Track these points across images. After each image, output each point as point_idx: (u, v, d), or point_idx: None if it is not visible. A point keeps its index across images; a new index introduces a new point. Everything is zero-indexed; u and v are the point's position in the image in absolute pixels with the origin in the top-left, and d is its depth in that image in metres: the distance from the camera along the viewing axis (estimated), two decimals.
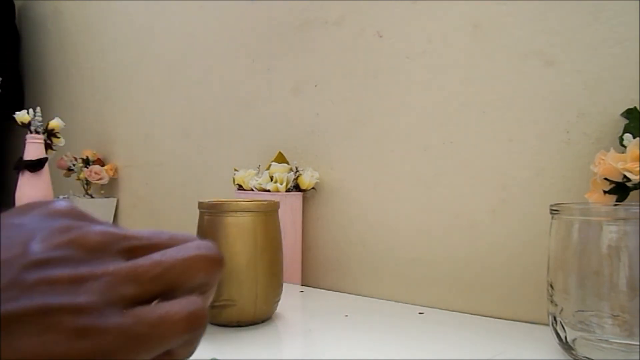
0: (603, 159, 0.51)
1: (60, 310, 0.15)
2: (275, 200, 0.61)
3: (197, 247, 0.20)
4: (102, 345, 0.16)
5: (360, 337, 0.55)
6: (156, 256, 0.19)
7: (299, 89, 0.87)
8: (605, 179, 0.52)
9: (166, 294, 0.18)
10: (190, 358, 0.19)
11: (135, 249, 0.19)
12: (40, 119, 1.13)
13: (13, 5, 1.59)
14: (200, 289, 0.20)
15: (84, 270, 0.17)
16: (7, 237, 0.17)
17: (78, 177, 1.25)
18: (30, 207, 0.20)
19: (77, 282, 0.16)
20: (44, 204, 0.20)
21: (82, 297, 0.16)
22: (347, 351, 0.50)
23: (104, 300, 0.16)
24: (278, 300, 0.60)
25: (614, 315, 0.42)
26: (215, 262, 0.20)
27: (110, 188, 1.29)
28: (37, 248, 0.17)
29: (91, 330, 0.15)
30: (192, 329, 0.18)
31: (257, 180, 0.83)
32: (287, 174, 0.80)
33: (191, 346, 0.19)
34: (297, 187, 0.82)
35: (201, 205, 0.59)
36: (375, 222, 0.77)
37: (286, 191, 0.80)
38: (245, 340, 0.53)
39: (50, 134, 1.17)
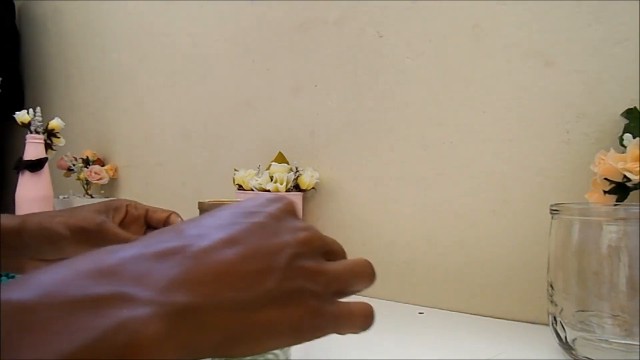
0: (603, 159, 0.51)
1: (309, 292, 0.23)
2: None
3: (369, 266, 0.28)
4: (323, 320, 0.24)
5: (360, 337, 0.55)
6: (349, 264, 0.27)
7: (299, 89, 0.87)
8: (605, 179, 0.52)
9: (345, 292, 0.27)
10: None
11: (331, 252, 0.27)
12: (40, 119, 1.13)
13: (13, 5, 1.59)
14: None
15: (321, 267, 0.25)
16: (267, 230, 0.25)
17: (78, 177, 1.25)
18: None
19: (317, 274, 0.24)
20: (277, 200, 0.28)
21: (318, 287, 0.24)
22: (347, 351, 0.50)
23: (326, 291, 0.24)
24: None
25: (614, 315, 0.42)
26: (373, 279, 0.28)
27: (110, 188, 1.29)
28: (292, 244, 0.25)
29: (320, 310, 0.24)
30: (368, 325, 0.27)
31: (257, 180, 0.83)
32: (287, 174, 0.80)
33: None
34: (297, 187, 0.82)
35: (201, 205, 0.59)
36: (375, 222, 0.77)
37: (286, 191, 0.80)
38: None
39: (50, 134, 1.17)
